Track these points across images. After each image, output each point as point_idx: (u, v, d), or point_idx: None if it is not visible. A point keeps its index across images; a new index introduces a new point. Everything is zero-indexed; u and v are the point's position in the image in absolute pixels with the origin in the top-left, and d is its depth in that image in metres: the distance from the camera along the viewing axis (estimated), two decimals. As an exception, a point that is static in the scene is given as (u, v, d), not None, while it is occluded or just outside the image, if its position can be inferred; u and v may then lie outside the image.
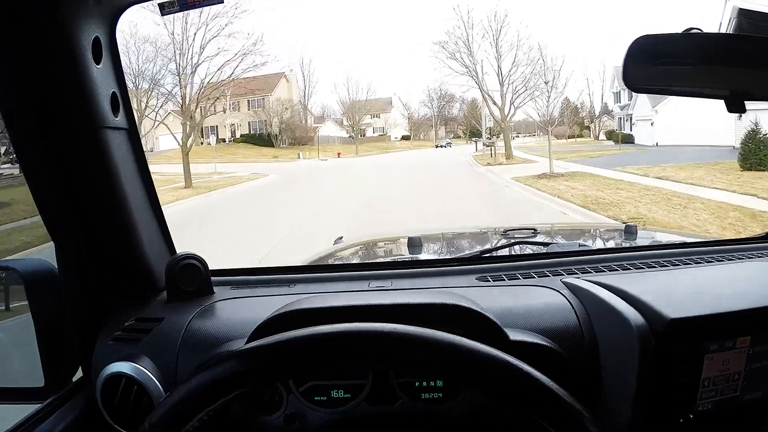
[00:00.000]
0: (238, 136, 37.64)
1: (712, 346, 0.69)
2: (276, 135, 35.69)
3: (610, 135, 30.67)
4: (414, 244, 1.49)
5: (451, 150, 36.30)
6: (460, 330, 0.58)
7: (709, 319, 0.68)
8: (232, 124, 37.76)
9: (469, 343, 0.52)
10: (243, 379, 0.52)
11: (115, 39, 0.80)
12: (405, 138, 49.83)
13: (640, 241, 1.58)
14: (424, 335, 0.52)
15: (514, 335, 0.76)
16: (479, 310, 0.76)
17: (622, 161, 14.13)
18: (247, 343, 0.70)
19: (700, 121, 14.90)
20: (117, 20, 0.79)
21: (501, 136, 24.01)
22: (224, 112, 37.69)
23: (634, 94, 22.38)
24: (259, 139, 36.90)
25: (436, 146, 41.20)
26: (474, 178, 14.27)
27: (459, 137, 63.46)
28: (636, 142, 23.27)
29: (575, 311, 0.82)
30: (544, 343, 0.76)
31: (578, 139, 42.37)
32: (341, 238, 2.03)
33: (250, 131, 38.03)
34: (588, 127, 46.88)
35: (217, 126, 39.35)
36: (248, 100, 39.57)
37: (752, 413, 0.72)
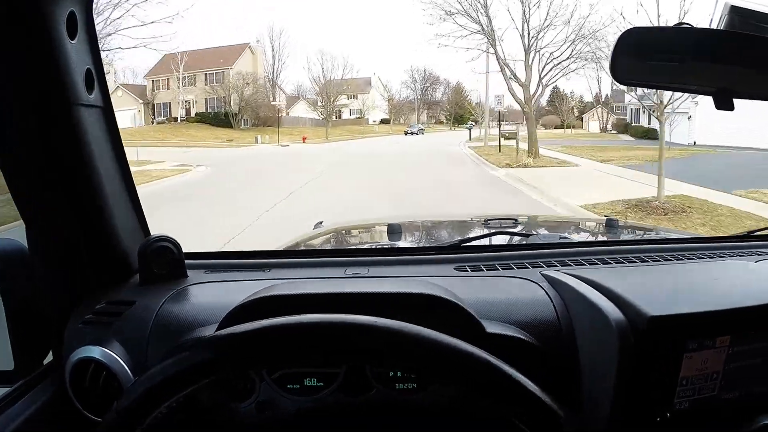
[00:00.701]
0: (193, 114, 32.19)
1: (692, 344, 0.70)
2: (235, 114, 30.53)
3: (625, 128, 26.78)
4: (393, 230, 1.48)
5: (428, 138, 31.35)
6: (435, 320, 0.59)
7: (690, 318, 0.69)
8: (186, 101, 32.34)
9: (442, 338, 0.52)
10: (211, 367, 0.51)
11: (92, 13, 0.79)
12: (384, 122, 45.32)
13: (622, 235, 1.61)
14: (393, 328, 0.52)
15: (491, 327, 0.76)
16: (456, 301, 0.76)
17: (703, 171, 10.36)
18: (218, 329, 0.70)
19: (755, 118, 10.86)
20: None
21: (493, 123, 18.95)
22: (178, 87, 32.14)
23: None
24: (215, 118, 31.68)
25: (406, 133, 35.54)
26: (498, 193, 9.31)
27: (441, 123, 59.72)
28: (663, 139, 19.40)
29: (554, 304, 0.82)
30: (521, 336, 0.76)
31: (572, 131, 39.24)
32: (321, 222, 2.01)
33: (206, 109, 32.73)
34: (581, 118, 44.01)
35: (170, 103, 33.76)
36: (206, 74, 34.29)
37: (729, 413, 0.74)
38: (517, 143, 14.65)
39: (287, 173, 12.22)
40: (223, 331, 0.53)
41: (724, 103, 0.78)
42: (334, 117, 37.47)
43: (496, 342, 0.74)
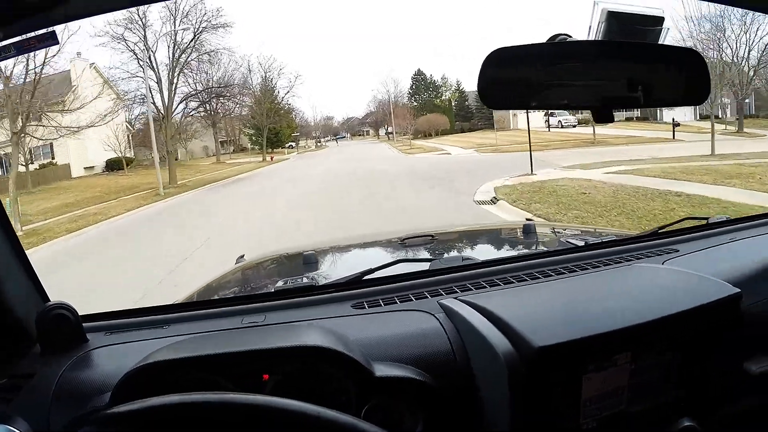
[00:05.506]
0: None
1: (590, 366, 0.81)
2: None
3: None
4: (309, 261, 1.86)
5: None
6: (324, 371, 0.69)
7: (583, 343, 0.79)
8: None
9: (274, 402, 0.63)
10: None
11: None
12: (112, 167, 15.58)
13: (536, 243, 2.05)
14: (237, 401, 0.62)
15: (381, 370, 0.88)
16: (342, 351, 0.90)
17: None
18: (110, 399, 0.86)
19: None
20: None
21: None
22: None
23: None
24: None
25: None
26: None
27: (243, 150, 33.57)
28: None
29: (448, 337, 0.94)
30: (413, 376, 0.88)
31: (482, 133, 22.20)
32: (243, 256, 2.52)
33: None
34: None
35: None
36: None
37: (640, 423, 0.85)
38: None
39: None
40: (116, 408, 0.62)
41: (604, 116, 0.84)
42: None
43: (387, 386, 0.80)
